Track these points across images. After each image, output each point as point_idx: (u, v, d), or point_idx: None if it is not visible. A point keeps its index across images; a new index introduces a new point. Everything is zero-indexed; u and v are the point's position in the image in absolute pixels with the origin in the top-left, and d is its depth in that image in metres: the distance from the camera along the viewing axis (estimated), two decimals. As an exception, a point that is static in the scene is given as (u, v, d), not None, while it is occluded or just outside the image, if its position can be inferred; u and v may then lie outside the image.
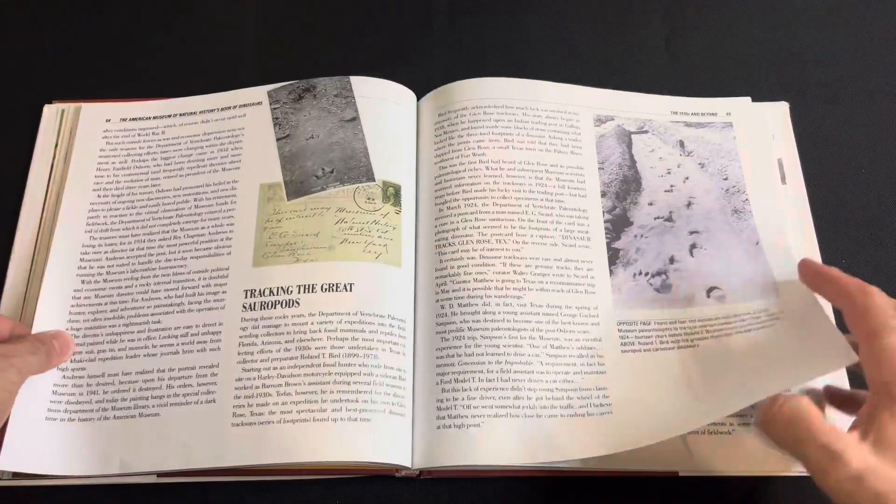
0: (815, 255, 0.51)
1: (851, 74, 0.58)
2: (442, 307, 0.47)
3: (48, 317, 0.47)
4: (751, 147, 0.53)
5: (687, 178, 0.52)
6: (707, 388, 0.45)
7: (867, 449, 0.35)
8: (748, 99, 0.55)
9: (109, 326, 0.47)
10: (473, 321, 0.46)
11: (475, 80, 0.54)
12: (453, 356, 0.46)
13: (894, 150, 0.55)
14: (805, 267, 0.45)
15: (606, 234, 0.50)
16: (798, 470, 0.44)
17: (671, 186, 0.52)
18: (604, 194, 0.51)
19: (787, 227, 0.50)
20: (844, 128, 0.56)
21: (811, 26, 0.60)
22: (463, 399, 0.45)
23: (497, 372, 0.45)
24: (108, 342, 0.47)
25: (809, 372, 0.42)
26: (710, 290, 0.48)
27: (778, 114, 0.56)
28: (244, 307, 0.47)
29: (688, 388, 0.45)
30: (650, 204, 0.51)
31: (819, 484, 0.36)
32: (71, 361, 0.46)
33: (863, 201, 0.53)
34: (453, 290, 0.48)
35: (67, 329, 0.47)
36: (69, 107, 0.55)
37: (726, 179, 0.52)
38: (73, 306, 0.48)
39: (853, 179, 0.54)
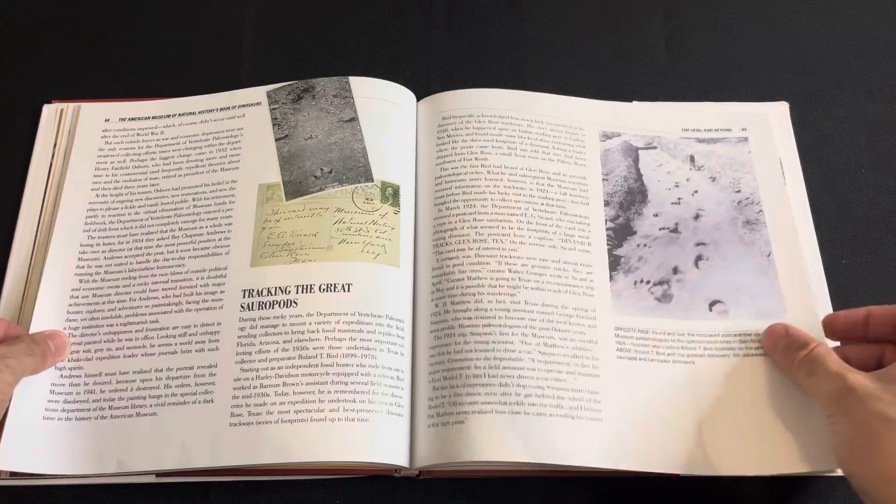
0: (815, 255, 0.50)
1: (851, 74, 0.58)
2: (436, 306, 0.47)
3: (46, 316, 0.47)
4: (765, 161, 0.53)
5: (696, 192, 0.52)
6: (700, 417, 0.44)
7: (871, 377, 0.39)
8: (765, 108, 0.55)
9: (107, 326, 0.47)
10: (465, 318, 0.46)
11: (482, 90, 0.54)
12: (444, 354, 0.46)
13: (894, 150, 0.55)
14: (833, 321, 0.45)
15: (608, 240, 0.50)
16: (798, 471, 0.44)
17: (678, 199, 0.52)
18: (607, 203, 0.51)
19: (801, 243, 0.50)
20: (844, 128, 0.56)
21: (811, 26, 0.60)
22: (449, 396, 0.45)
23: (485, 368, 0.45)
24: (105, 341, 0.47)
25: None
26: (712, 304, 0.48)
27: (778, 114, 0.56)
28: (242, 307, 0.47)
29: (681, 412, 0.45)
30: (655, 215, 0.51)
31: (829, 415, 0.40)
32: (68, 361, 0.46)
33: (863, 201, 0.53)
34: (447, 289, 0.48)
35: (65, 328, 0.47)
36: (68, 106, 0.55)
37: (738, 192, 0.52)
38: (70, 305, 0.48)
39: (853, 179, 0.54)
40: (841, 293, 0.49)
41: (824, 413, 0.41)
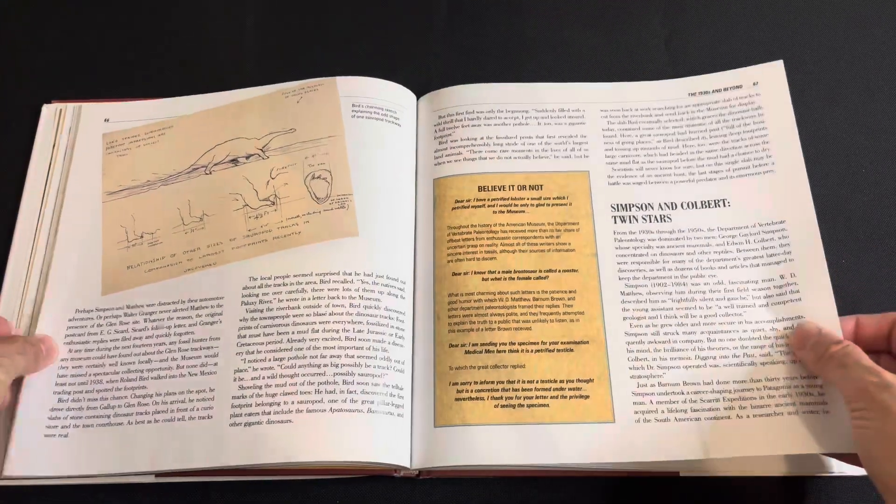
0: (817, 255, 0.50)
1: (851, 74, 0.58)
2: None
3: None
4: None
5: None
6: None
7: None
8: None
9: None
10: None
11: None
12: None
13: (894, 150, 0.55)
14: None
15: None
16: (797, 472, 0.44)
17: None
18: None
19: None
20: (844, 128, 0.56)
21: (811, 26, 0.60)
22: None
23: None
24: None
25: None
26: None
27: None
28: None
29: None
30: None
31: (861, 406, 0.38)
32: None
33: (863, 201, 0.53)
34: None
35: (68, 328, 0.47)
36: (68, 106, 0.55)
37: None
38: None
39: (853, 179, 0.54)
40: (841, 293, 0.49)
41: (850, 407, 0.40)
